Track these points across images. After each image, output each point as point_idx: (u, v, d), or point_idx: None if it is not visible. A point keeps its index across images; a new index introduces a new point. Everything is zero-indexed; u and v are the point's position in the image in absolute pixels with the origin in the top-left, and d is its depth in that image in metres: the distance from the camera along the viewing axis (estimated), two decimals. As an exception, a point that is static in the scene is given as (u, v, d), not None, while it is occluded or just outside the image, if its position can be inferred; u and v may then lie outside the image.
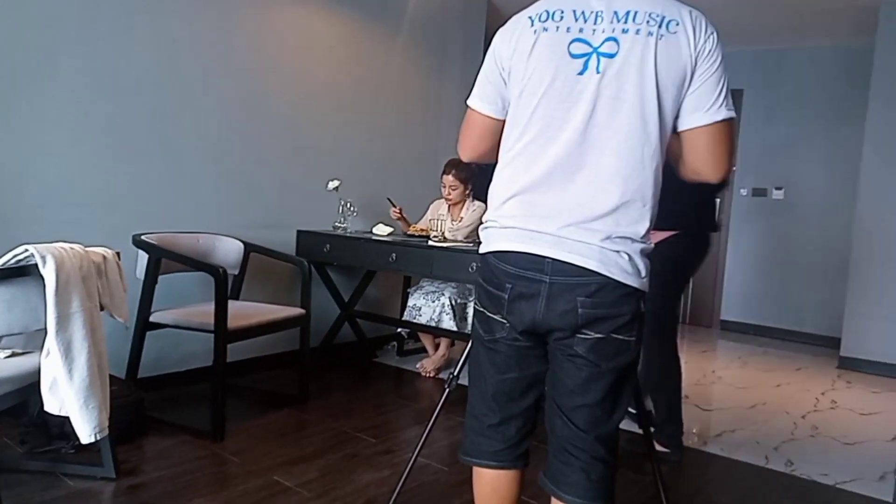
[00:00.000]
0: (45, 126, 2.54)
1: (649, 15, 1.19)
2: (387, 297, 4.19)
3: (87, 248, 1.75)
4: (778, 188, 5.53)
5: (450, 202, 3.67)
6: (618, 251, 1.21)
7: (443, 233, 3.38)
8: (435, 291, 3.58)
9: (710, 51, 1.20)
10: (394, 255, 3.12)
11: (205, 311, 2.61)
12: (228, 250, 2.99)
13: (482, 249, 1.36)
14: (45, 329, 1.61)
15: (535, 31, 1.24)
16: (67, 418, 1.70)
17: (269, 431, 2.59)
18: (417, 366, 3.66)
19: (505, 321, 1.31)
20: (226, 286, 2.44)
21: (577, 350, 1.25)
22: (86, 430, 1.64)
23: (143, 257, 2.59)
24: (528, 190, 1.26)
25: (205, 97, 3.06)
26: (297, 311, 2.87)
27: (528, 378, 1.36)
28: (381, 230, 3.55)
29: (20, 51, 2.44)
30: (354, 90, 3.85)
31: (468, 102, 1.39)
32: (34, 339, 1.77)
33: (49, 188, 2.57)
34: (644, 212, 1.23)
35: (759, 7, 4.36)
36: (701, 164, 1.26)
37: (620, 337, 1.25)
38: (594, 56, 1.20)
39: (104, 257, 1.81)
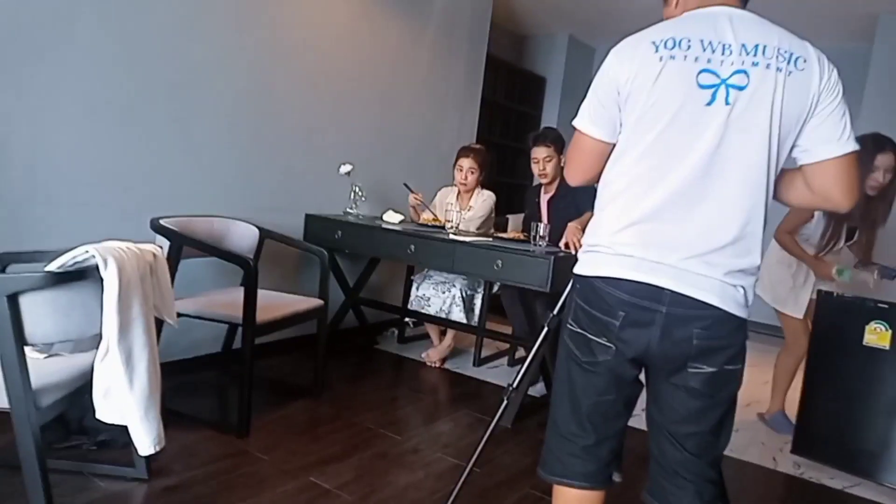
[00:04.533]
0: (61, 96, 2.36)
1: (778, 50, 1.20)
2: (387, 282, 4.14)
3: (139, 246, 1.65)
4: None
5: (464, 188, 3.61)
6: (735, 285, 1.25)
7: (457, 224, 3.34)
8: (445, 282, 3.55)
9: (833, 86, 1.23)
10: (412, 246, 3.06)
11: (227, 302, 2.52)
12: (243, 235, 2.88)
13: (584, 271, 1.35)
14: (100, 333, 1.52)
15: (660, 59, 1.22)
16: (91, 412, 1.60)
17: (291, 426, 2.54)
18: (423, 355, 3.64)
19: (611, 345, 1.31)
20: (255, 278, 2.35)
21: (690, 383, 1.28)
22: (146, 442, 1.56)
23: (161, 243, 2.46)
24: (646, 219, 1.25)
25: (219, 74, 2.91)
26: (317, 302, 2.80)
27: (624, 400, 1.38)
28: (392, 217, 3.48)
29: (38, 13, 2.26)
30: (365, 73, 3.73)
31: (577, 125, 1.36)
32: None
33: (62, 165, 2.41)
34: (758, 242, 1.26)
35: (762, 11, 4.40)
36: (836, 192, 1.26)
37: (731, 367, 1.29)
38: (722, 87, 1.20)
39: (154, 256, 1.71)
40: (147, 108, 2.65)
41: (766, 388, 3.31)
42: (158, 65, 2.66)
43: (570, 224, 3.11)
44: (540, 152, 3.26)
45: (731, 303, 1.24)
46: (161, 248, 1.85)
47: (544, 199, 3.40)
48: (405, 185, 3.59)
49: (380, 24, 3.76)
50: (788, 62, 1.19)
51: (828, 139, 1.23)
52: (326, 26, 3.42)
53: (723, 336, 1.25)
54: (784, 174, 1.31)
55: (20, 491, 1.56)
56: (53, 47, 2.32)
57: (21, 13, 2.22)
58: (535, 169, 3.32)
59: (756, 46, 1.20)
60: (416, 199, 3.55)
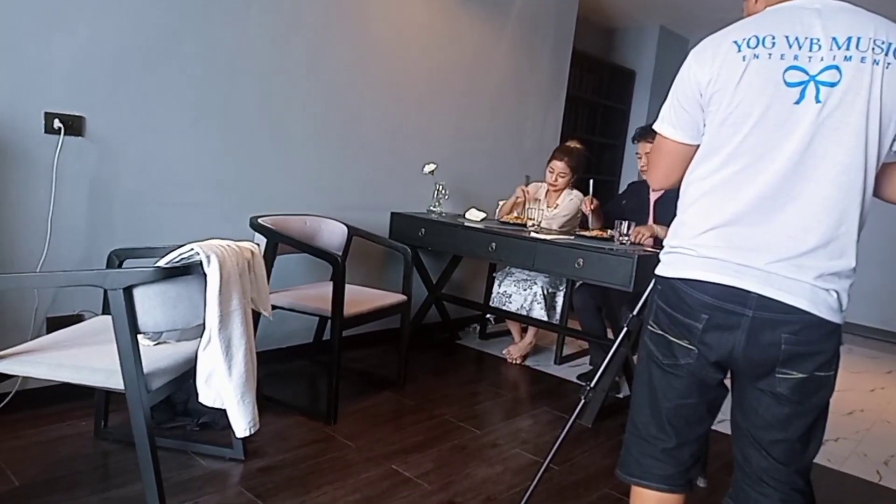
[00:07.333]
0: (168, 107, 2.57)
1: (873, 41, 1.14)
2: (469, 279, 4.19)
3: (239, 244, 1.79)
4: None
5: (553, 188, 3.59)
6: (828, 289, 1.19)
7: (539, 221, 3.34)
8: (526, 280, 3.56)
9: None
10: (493, 244, 3.10)
11: (318, 296, 2.66)
12: (333, 233, 3.02)
13: (666, 273, 1.33)
14: (203, 324, 1.65)
15: (744, 58, 1.19)
16: (194, 396, 1.74)
17: (375, 416, 2.64)
18: (504, 352, 3.67)
19: (693, 348, 1.29)
20: (343, 274, 2.46)
21: (778, 389, 1.24)
22: (242, 425, 1.69)
23: (259, 240, 2.63)
24: (732, 222, 1.23)
25: (308, 83, 3.05)
26: (401, 297, 2.89)
27: (707, 404, 1.36)
28: (474, 215, 3.53)
29: (149, 33, 2.47)
30: (447, 72, 3.79)
31: (658, 129, 1.35)
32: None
33: (170, 169, 2.62)
34: (853, 244, 1.20)
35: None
36: None
37: (822, 374, 1.24)
38: (811, 84, 1.16)
39: (252, 253, 1.84)
40: (244, 117, 2.83)
41: (872, 395, 3.12)
42: (253, 76, 2.83)
43: (650, 224, 3.06)
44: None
45: (822, 307, 1.19)
46: (259, 245, 1.99)
47: (653, 197, 3.32)
48: (527, 177, 3.63)
49: (462, 23, 3.81)
50: (887, 53, 1.13)
51: None
52: (408, 28, 3.51)
53: (813, 342, 1.21)
54: (884, 169, 1.25)
55: (134, 465, 1.73)
56: (163, 64, 2.53)
57: (136, 32, 2.43)
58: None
59: (849, 39, 1.15)
60: (524, 192, 3.53)
